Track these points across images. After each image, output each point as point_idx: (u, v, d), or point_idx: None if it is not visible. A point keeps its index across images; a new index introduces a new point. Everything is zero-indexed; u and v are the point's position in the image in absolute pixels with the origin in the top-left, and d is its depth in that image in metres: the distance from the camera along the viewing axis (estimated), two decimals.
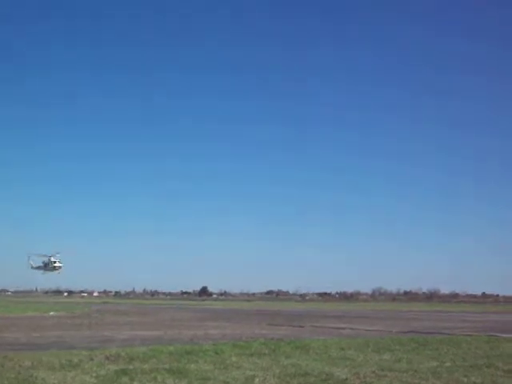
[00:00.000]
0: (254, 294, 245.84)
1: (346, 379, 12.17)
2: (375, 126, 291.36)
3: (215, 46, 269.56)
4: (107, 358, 15.29)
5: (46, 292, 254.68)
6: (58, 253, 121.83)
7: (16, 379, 11.65)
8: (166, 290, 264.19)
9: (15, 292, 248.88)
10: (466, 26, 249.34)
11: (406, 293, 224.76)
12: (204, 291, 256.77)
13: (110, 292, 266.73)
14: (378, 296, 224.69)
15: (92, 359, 14.94)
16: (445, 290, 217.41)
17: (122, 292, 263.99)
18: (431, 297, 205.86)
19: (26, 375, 12.16)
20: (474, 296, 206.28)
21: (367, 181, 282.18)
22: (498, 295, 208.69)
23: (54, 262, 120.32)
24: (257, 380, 11.94)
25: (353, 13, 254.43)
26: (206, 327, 31.71)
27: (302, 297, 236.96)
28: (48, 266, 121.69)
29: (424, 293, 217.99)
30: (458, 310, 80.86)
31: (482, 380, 12.20)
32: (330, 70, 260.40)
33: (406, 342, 20.90)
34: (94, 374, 12.44)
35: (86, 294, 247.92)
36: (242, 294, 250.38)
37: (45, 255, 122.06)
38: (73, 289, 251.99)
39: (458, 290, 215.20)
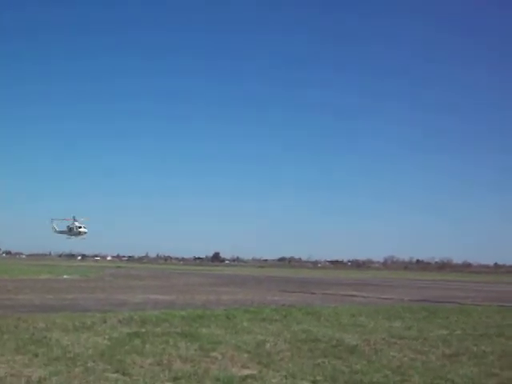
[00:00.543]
0: (266, 261, 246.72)
1: (356, 345, 12.24)
2: None
3: None
4: (120, 321, 15.46)
5: (60, 255, 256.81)
6: (82, 217, 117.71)
7: (30, 340, 11.81)
8: (179, 256, 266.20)
9: (29, 255, 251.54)
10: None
11: (418, 262, 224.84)
12: (216, 257, 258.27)
13: (124, 257, 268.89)
14: (389, 264, 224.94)
15: (105, 322, 15.11)
16: (457, 259, 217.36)
17: (136, 257, 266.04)
18: (443, 266, 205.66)
19: (39, 336, 12.32)
20: (487, 266, 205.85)
21: (378, 144, 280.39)
22: (510, 265, 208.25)
23: (79, 227, 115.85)
24: (268, 345, 12.04)
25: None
26: (218, 293, 31.94)
27: (314, 264, 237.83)
28: (73, 231, 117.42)
29: (436, 262, 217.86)
30: (470, 280, 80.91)
31: (492, 349, 12.23)
32: None
33: (416, 311, 20.97)
34: (107, 337, 12.59)
35: (99, 258, 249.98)
36: (254, 260, 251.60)
37: (68, 219, 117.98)
38: (86, 253, 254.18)
39: (471, 260, 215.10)
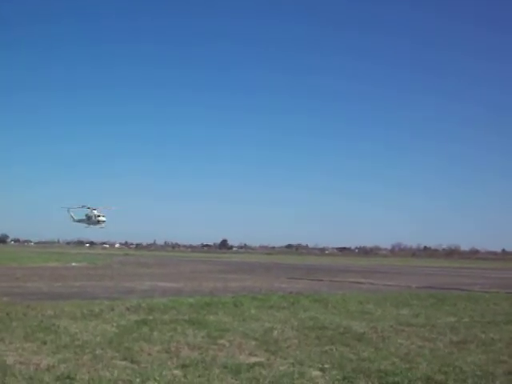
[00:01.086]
0: (273, 248, 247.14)
1: (364, 333, 12.24)
2: None
3: None
4: (128, 308, 15.52)
5: (68, 243, 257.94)
6: (102, 206, 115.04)
7: (38, 327, 11.86)
8: (187, 243, 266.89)
9: (38, 243, 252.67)
10: None
11: (425, 248, 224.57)
12: (224, 244, 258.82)
13: (132, 244, 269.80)
14: (397, 251, 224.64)
15: (113, 309, 15.16)
16: (465, 246, 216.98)
17: (144, 244, 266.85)
18: (451, 253, 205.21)
19: (48, 324, 12.38)
20: (494, 253, 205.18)
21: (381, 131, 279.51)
22: None
23: (98, 216, 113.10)
24: (275, 332, 12.05)
25: None
26: (226, 280, 32.02)
27: (322, 251, 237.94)
28: (91, 220, 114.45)
29: (444, 249, 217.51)
30: (478, 267, 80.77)
31: (500, 336, 12.21)
32: None
33: (424, 298, 20.95)
34: (115, 324, 12.64)
35: (107, 246, 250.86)
36: (261, 247, 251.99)
37: (85, 207, 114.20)
38: (94, 240, 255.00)
39: (478, 247, 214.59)
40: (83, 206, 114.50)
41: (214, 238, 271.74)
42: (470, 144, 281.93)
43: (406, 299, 20.31)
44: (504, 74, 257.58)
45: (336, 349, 10.35)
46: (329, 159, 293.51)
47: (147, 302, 17.00)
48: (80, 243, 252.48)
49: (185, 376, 8.12)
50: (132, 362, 8.94)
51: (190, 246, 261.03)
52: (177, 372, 8.36)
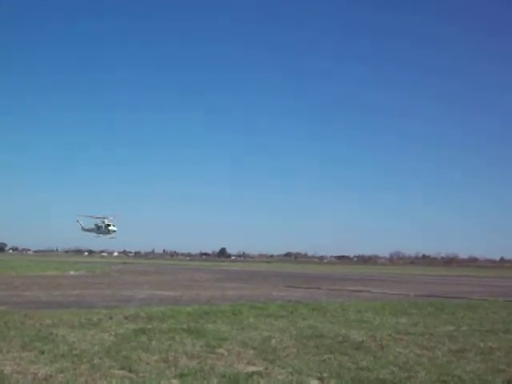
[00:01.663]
0: (272, 256, 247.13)
1: (363, 342, 12.21)
2: None
3: None
4: (126, 317, 15.46)
5: (67, 251, 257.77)
6: (111, 215, 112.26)
7: (36, 336, 11.82)
8: (186, 251, 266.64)
9: (36, 251, 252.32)
10: None
11: (424, 257, 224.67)
12: (223, 252, 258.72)
13: (130, 252, 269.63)
14: (396, 260, 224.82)
15: (111, 318, 15.12)
16: (463, 254, 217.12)
17: (142, 252, 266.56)
18: (449, 261, 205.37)
19: (46, 333, 12.33)
20: (493, 261, 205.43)
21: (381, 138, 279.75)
22: None
23: (109, 225, 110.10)
24: (273, 341, 12.02)
25: None
26: (224, 288, 31.98)
27: (320, 259, 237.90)
28: (101, 229, 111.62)
29: (442, 257, 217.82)
30: (476, 275, 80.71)
31: (498, 345, 12.18)
32: None
33: (422, 306, 20.93)
34: (113, 333, 12.60)
35: (106, 254, 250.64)
36: (260, 255, 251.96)
37: (95, 217, 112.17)
38: (93, 249, 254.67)
39: (477, 255, 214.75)
40: (91, 216, 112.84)
41: (213, 247, 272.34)
42: (469, 152, 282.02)
43: (404, 308, 20.28)
44: (505, 79, 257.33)
45: (334, 358, 10.32)
46: (327, 167, 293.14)
47: (145, 310, 16.96)
48: (79, 251, 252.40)
49: None
50: (130, 371, 8.90)
51: (189, 255, 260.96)
52: (175, 381, 8.33)
